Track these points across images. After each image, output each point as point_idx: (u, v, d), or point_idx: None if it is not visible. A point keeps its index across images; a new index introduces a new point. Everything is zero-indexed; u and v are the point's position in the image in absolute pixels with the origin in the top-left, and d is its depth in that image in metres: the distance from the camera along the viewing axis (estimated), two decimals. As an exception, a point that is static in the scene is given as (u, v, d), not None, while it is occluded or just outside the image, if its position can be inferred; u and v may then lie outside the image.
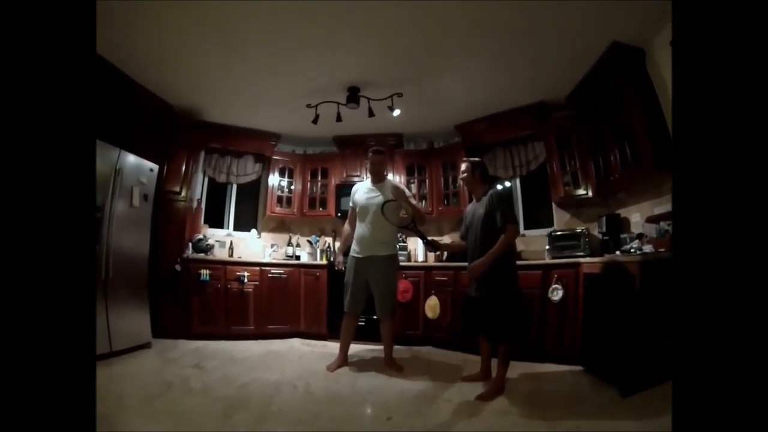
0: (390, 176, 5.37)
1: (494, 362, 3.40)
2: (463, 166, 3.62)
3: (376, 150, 4.12)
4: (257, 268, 5.47)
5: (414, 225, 3.71)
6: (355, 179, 5.86)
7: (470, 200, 3.84)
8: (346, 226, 4.28)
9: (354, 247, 4.02)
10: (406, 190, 4.06)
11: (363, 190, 4.06)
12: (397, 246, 4.26)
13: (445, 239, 5.96)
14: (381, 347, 4.12)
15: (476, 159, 3.68)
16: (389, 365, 3.94)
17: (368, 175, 4.17)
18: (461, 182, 3.72)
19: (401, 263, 5.41)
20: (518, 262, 3.95)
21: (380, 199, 3.84)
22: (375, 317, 4.03)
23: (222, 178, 6.24)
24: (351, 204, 4.13)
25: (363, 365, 4.02)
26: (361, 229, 3.97)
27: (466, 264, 3.57)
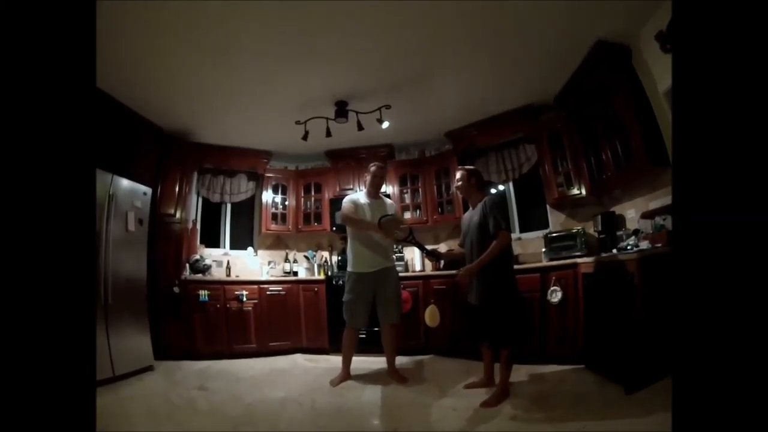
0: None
1: (497, 367, 3.40)
2: (458, 174, 3.63)
3: (380, 165, 4.15)
4: (255, 286, 5.46)
5: (413, 237, 3.71)
6: (349, 192, 5.85)
7: (465, 208, 3.83)
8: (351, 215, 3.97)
9: (359, 263, 3.97)
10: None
11: (365, 202, 4.03)
12: None
13: (441, 247, 5.96)
14: (383, 359, 4.10)
15: (471, 167, 3.69)
16: (393, 375, 3.94)
17: (363, 187, 4.16)
18: (457, 190, 3.73)
19: (400, 274, 5.44)
20: (516, 266, 3.96)
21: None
22: (376, 329, 4.02)
23: (216, 198, 6.24)
24: (353, 205, 3.97)
25: (366, 378, 4.01)
26: (368, 244, 3.93)
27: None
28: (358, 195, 4.17)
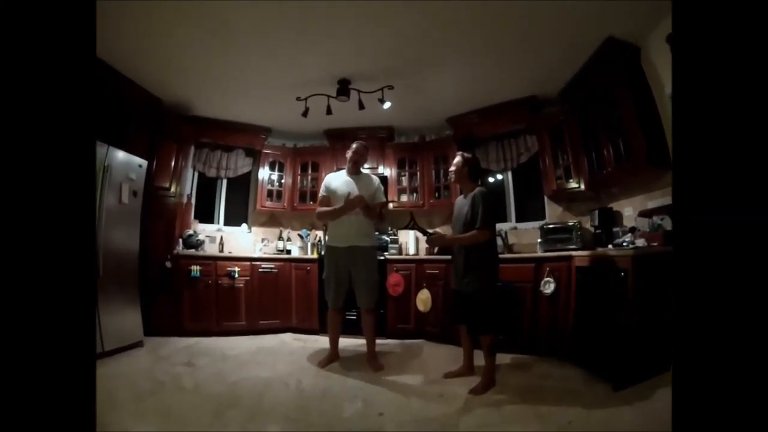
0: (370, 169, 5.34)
1: (479, 356, 3.40)
2: (455, 160, 3.58)
3: (362, 143, 4.09)
4: (248, 263, 5.45)
5: (414, 222, 3.65)
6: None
7: (460, 193, 3.78)
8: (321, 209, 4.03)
9: (331, 237, 4.00)
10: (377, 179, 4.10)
11: (341, 180, 3.99)
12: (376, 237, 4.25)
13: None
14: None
15: (468, 155, 3.62)
16: (370, 362, 3.89)
17: (347, 164, 4.07)
18: (451, 175, 3.68)
19: (393, 257, 5.43)
20: (510, 256, 3.93)
21: (356, 190, 3.81)
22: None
23: (212, 173, 6.18)
24: (324, 192, 4.00)
25: (354, 360, 4.01)
26: (341, 220, 3.88)
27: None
28: (334, 175, 4.15)
